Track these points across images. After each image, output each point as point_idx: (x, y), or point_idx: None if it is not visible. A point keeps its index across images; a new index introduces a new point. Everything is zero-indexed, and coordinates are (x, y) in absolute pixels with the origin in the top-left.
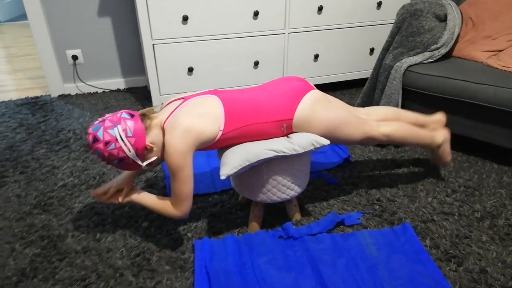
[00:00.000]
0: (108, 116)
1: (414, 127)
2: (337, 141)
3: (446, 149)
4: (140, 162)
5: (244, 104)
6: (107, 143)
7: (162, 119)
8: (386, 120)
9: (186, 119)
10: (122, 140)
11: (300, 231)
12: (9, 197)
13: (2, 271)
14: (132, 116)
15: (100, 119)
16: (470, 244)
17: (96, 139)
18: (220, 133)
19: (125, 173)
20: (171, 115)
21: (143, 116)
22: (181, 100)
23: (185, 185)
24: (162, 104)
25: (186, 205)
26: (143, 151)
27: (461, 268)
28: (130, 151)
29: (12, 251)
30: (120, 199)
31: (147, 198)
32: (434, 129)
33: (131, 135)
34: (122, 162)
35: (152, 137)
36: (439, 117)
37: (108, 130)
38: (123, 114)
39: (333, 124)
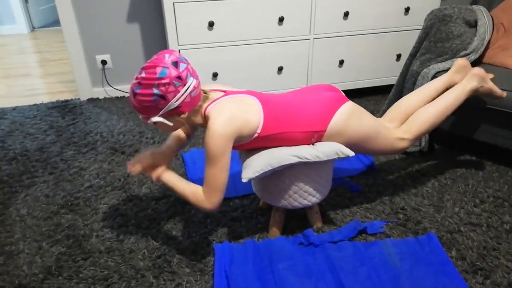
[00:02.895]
0: (189, 63)
1: (438, 103)
2: (365, 152)
3: (488, 85)
4: (161, 114)
5: (282, 111)
6: (178, 77)
7: (203, 104)
8: (407, 118)
9: (232, 108)
10: (186, 90)
11: (321, 238)
12: (38, 197)
13: (30, 268)
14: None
15: (184, 57)
16: (498, 256)
17: (175, 65)
18: (256, 135)
19: (166, 150)
20: (214, 103)
21: (204, 93)
22: (223, 93)
23: (222, 173)
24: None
25: (218, 197)
26: (177, 112)
27: (488, 281)
28: (176, 101)
29: (39, 249)
30: (153, 177)
31: (178, 182)
32: (460, 82)
33: (193, 95)
34: (156, 101)
35: (191, 114)
36: (460, 62)
37: (189, 72)
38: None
39: (364, 136)
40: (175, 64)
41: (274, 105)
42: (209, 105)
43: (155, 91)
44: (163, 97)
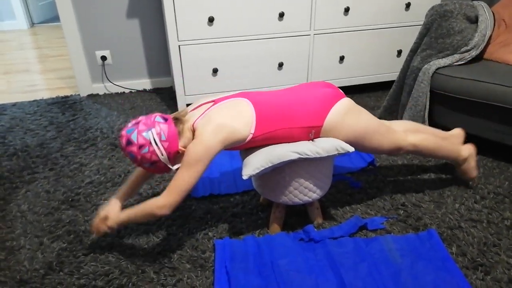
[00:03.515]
0: (141, 118)
1: (439, 139)
2: (364, 150)
3: (472, 164)
4: (170, 166)
5: (275, 108)
6: (141, 147)
7: (192, 121)
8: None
9: (220, 117)
10: (156, 144)
11: (322, 234)
12: (39, 193)
13: (31, 263)
14: (165, 120)
15: (134, 122)
16: (499, 252)
17: (130, 142)
18: (251, 136)
19: (112, 204)
20: (202, 115)
21: (176, 120)
22: (212, 103)
23: (192, 179)
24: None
25: (177, 199)
26: (175, 155)
27: (489, 277)
28: (162, 155)
29: (40, 245)
30: (106, 228)
31: (129, 211)
32: (455, 143)
33: (165, 139)
34: (154, 165)
35: (185, 141)
36: (458, 131)
37: (143, 134)
38: (157, 117)
39: (362, 132)
40: (129, 143)
41: (268, 103)
42: (196, 120)
43: (146, 165)
44: (154, 162)
